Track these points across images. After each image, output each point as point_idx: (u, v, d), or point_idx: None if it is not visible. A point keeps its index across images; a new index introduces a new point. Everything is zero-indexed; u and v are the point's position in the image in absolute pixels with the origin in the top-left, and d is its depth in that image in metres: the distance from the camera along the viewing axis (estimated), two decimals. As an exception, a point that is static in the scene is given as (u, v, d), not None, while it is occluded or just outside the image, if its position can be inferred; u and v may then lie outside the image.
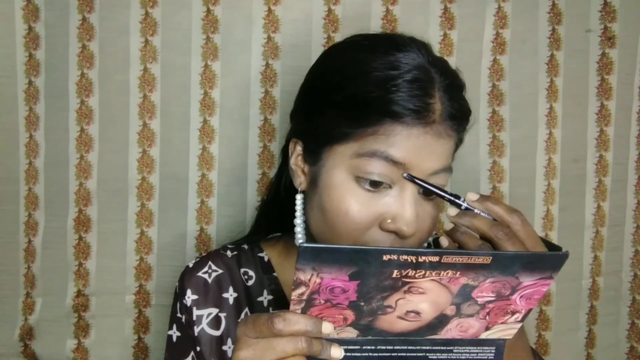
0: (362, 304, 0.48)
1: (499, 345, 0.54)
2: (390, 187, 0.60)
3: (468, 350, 0.53)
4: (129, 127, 0.95)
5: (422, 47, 0.62)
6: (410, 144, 0.58)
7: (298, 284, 0.46)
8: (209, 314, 0.71)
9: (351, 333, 0.51)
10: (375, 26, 0.97)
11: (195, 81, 0.95)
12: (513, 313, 0.51)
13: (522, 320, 0.52)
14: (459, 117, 0.61)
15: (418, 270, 0.45)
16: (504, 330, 0.53)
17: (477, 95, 0.99)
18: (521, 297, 0.49)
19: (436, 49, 0.98)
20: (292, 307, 0.48)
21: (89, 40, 0.93)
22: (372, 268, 0.45)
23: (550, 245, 0.58)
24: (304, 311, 0.48)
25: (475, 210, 0.58)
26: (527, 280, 0.48)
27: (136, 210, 0.96)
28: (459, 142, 0.64)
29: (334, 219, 0.60)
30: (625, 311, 1.09)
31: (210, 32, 0.95)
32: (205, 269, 0.73)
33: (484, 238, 0.57)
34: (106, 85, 0.95)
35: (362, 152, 0.59)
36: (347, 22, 0.96)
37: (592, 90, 1.03)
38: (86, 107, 0.94)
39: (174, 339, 0.73)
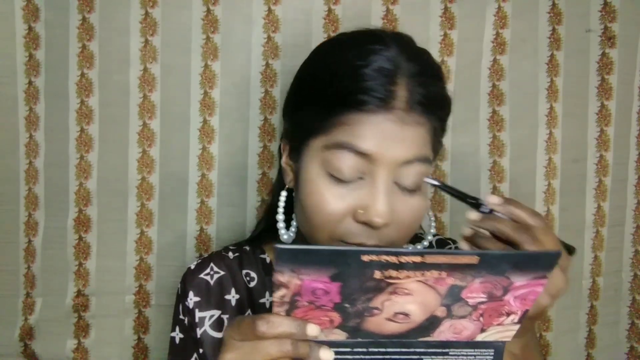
0: (347, 305, 0.47)
1: (497, 347, 0.53)
2: (362, 178, 0.59)
3: (465, 353, 0.53)
4: (129, 127, 0.95)
5: (399, 38, 0.62)
6: (374, 133, 0.58)
7: (278, 285, 0.45)
8: (212, 316, 0.71)
9: (340, 335, 0.50)
10: (375, 26, 0.96)
11: (195, 81, 0.95)
12: (508, 314, 0.51)
13: (520, 321, 0.51)
14: (425, 103, 0.59)
15: (401, 271, 0.45)
16: (502, 332, 0.52)
17: (477, 95, 0.99)
18: (515, 297, 0.49)
19: (436, 49, 0.97)
20: (275, 309, 0.47)
21: (89, 40, 0.93)
22: (353, 269, 0.44)
23: (567, 247, 0.59)
24: (288, 313, 0.48)
25: (498, 214, 0.57)
26: (518, 280, 0.47)
27: (136, 210, 0.96)
28: (436, 131, 0.62)
29: (311, 213, 0.61)
30: (625, 311, 1.09)
31: (210, 32, 0.94)
32: (207, 270, 0.73)
33: (506, 241, 0.57)
34: (106, 85, 0.94)
35: (330, 144, 0.59)
36: (347, 22, 0.96)
37: (592, 90, 1.03)
38: (86, 107, 0.94)
39: (177, 340, 0.73)
